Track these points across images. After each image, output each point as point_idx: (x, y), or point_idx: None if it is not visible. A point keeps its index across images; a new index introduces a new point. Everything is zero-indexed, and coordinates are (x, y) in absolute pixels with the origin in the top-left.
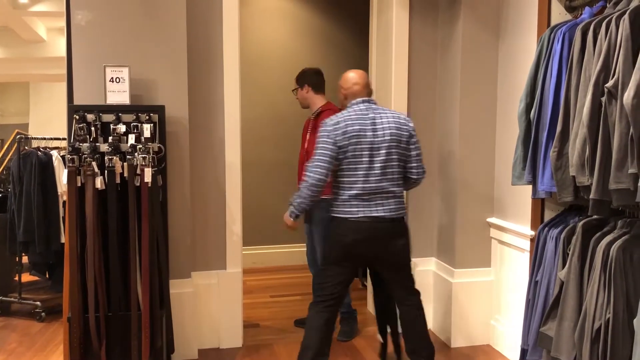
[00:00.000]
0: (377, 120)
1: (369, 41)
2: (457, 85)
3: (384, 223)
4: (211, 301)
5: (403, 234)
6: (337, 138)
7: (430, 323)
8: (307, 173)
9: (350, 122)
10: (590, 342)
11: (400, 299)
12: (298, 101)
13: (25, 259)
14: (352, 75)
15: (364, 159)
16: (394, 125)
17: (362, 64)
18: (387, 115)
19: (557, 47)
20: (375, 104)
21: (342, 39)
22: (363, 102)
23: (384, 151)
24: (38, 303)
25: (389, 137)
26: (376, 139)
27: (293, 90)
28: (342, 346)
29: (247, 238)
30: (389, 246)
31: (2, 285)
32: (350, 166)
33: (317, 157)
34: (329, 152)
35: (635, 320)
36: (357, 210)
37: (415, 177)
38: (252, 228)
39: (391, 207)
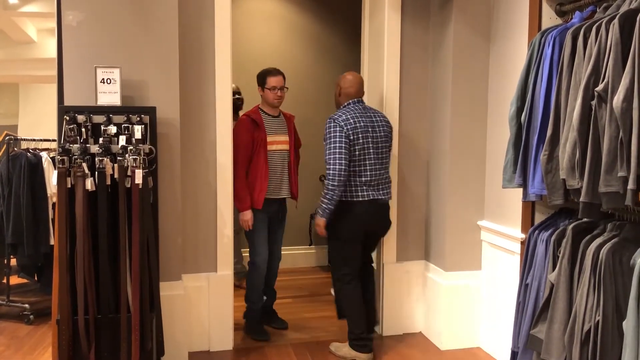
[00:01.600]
0: (374, 119)
1: (360, 44)
2: (448, 88)
3: (384, 204)
4: (202, 304)
5: (389, 213)
6: (349, 132)
7: (421, 325)
8: (329, 166)
9: (357, 119)
10: (580, 345)
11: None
12: (280, 100)
13: (13, 261)
14: (351, 78)
15: (370, 151)
16: (385, 124)
17: (354, 66)
18: (379, 114)
19: (547, 51)
20: (365, 103)
21: (333, 42)
22: (359, 102)
23: (382, 144)
24: (26, 305)
25: (384, 134)
26: (376, 134)
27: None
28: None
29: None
30: (385, 222)
31: None
32: (360, 157)
33: (334, 150)
34: (344, 144)
35: (624, 323)
36: (368, 194)
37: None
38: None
39: (388, 191)
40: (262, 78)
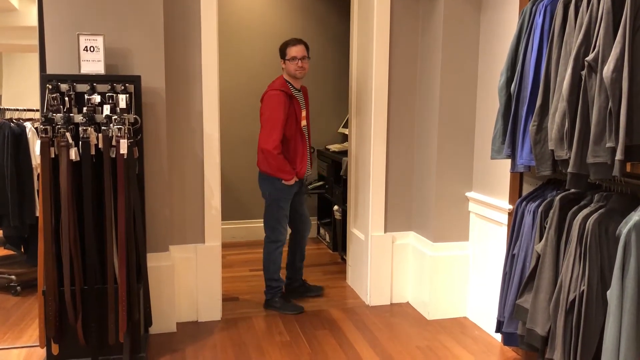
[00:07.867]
0: None
1: (350, 13)
2: (438, 57)
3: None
4: (189, 275)
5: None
6: None
7: (408, 295)
8: None
9: None
10: (565, 314)
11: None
12: (303, 71)
13: None
14: None
15: None
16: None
17: (343, 35)
18: None
19: (538, 20)
20: None
21: (323, 10)
22: None
23: None
24: (13, 277)
25: None
26: None
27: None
28: (319, 317)
29: (227, 212)
30: None
31: None
32: None
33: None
34: None
35: (608, 292)
36: None
37: None
38: (232, 202)
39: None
40: (282, 49)
